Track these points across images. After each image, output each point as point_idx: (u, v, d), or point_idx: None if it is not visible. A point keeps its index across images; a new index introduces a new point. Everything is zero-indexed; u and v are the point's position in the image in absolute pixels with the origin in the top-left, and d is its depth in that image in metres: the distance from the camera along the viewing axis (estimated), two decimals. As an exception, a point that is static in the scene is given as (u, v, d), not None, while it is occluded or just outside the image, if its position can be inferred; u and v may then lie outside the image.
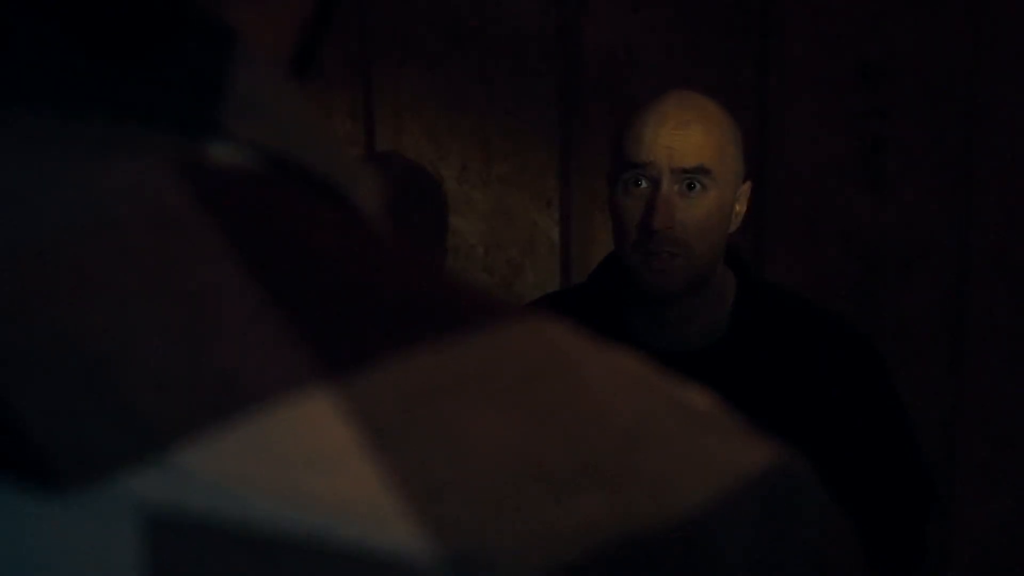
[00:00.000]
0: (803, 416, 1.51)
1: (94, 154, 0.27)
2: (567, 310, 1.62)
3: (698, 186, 1.46)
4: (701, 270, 1.49)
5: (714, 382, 1.48)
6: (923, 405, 2.15)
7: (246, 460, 0.24)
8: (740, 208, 1.55)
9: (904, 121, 2.12)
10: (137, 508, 0.24)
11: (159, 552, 0.23)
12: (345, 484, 0.24)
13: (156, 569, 0.23)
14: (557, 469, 0.25)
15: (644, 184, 1.47)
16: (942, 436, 2.18)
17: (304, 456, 0.24)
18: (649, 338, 1.55)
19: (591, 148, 2.20)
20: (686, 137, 1.46)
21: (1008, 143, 2.09)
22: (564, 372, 0.27)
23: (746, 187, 1.56)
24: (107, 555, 0.23)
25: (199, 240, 0.26)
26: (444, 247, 2.15)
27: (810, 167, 2.15)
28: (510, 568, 0.24)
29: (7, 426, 0.24)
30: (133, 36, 0.28)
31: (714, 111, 1.52)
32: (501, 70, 2.21)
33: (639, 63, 2.18)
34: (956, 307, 2.15)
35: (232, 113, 0.29)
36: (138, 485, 0.24)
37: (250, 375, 0.25)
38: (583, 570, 0.24)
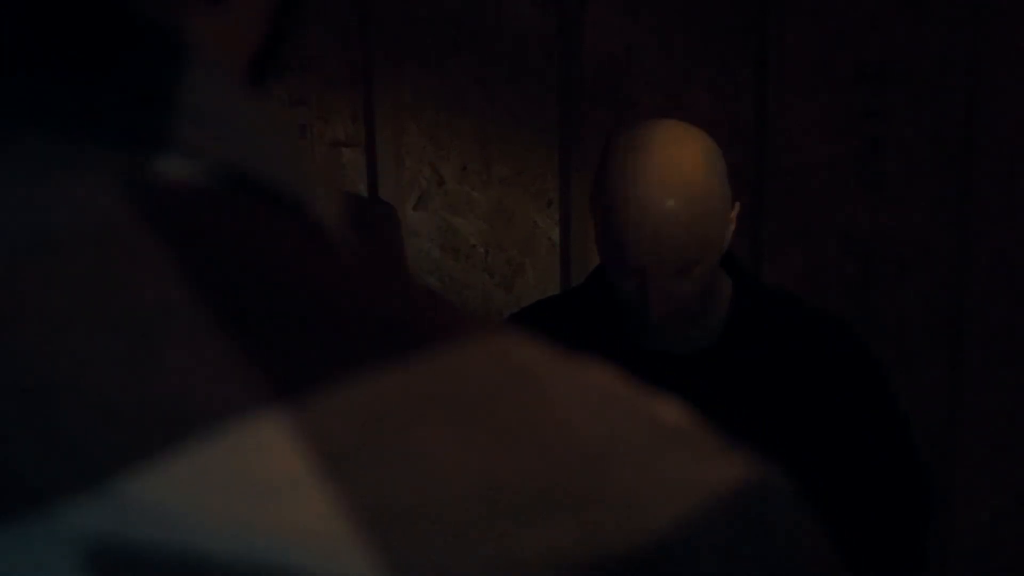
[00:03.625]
0: (798, 420, 1.50)
1: (36, 171, 0.26)
2: (563, 315, 1.62)
3: (689, 268, 1.43)
4: (699, 309, 1.50)
5: (709, 386, 1.49)
6: (921, 405, 2.14)
7: (193, 489, 0.23)
8: (732, 227, 1.50)
9: (903, 122, 2.11)
10: (79, 539, 0.23)
11: None
12: (297, 512, 0.23)
13: None
14: (519, 493, 0.24)
15: (632, 272, 1.44)
16: (940, 436, 2.18)
17: (254, 484, 0.23)
18: (644, 342, 1.55)
19: (591, 148, 2.20)
20: (671, 237, 1.39)
21: (1007, 144, 2.09)
22: (527, 391, 0.26)
23: (736, 209, 1.51)
24: None
25: (144, 260, 0.25)
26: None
27: (809, 167, 2.15)
28: None
29: None
30: (82, 47, 0.28)
31: (693, 172, 1.40)
32: (501, 70, 2.21)
33: (639, 63, 2.18)
34: (954, 307, 2.15)
35: (184, 125, 0.28)
36: (80, 515, 0.23)
37: (198, 400, 0.24)
38: None
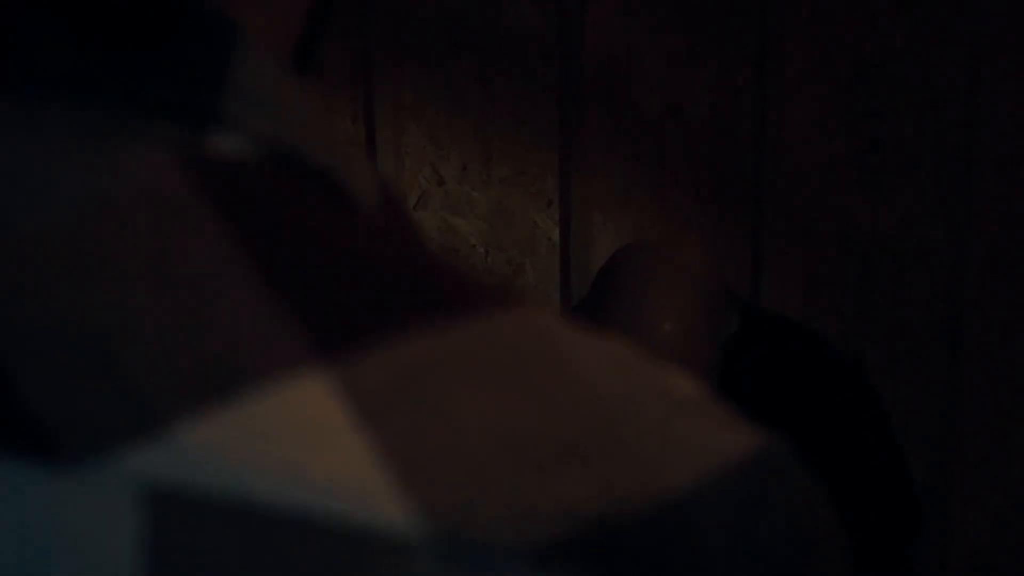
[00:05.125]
0: (794, 427, 1.51)
1: (96, 142, 0.28)
2: None
3: None
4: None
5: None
6: (920, 406, 2.15)
7: (243, 437, 0.24)
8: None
9: (902, 122, 2.12)
10: (137, 482, 0.24)
11: (158, 525, 0.24)
12: (337, 460, 0.25)
13: (155, 541, 0.24)
14: (541, 448, 0.26)
15: None
16: (939, 437, 2.18)
17: (298, 433, 0.25)
18: None
19: (591, 148, 2.20)
20: None
21: (1007, 144, 2.09)
22: (550, 355, 0.28)
23: (735, 325, 1.51)
24: (107, 528, 0.24)
25: (198, 224, 0.27)
26: None
27: (808, 168, 2.15)
28: (495, 543, 0.24)
29: (10, 401, 0.25)
30: (135, 29, 0.29)
31: (683, 328, 1.44)
32: (501, 71, 2.22)
33: (639, 64, 2.18)
34: (954, 308, 2.15)
35: (233, 104, 0.30)
36: (138, 460, 0.24)
37: (247, 354, 0.25)
38: (566, 547, 0.25)
